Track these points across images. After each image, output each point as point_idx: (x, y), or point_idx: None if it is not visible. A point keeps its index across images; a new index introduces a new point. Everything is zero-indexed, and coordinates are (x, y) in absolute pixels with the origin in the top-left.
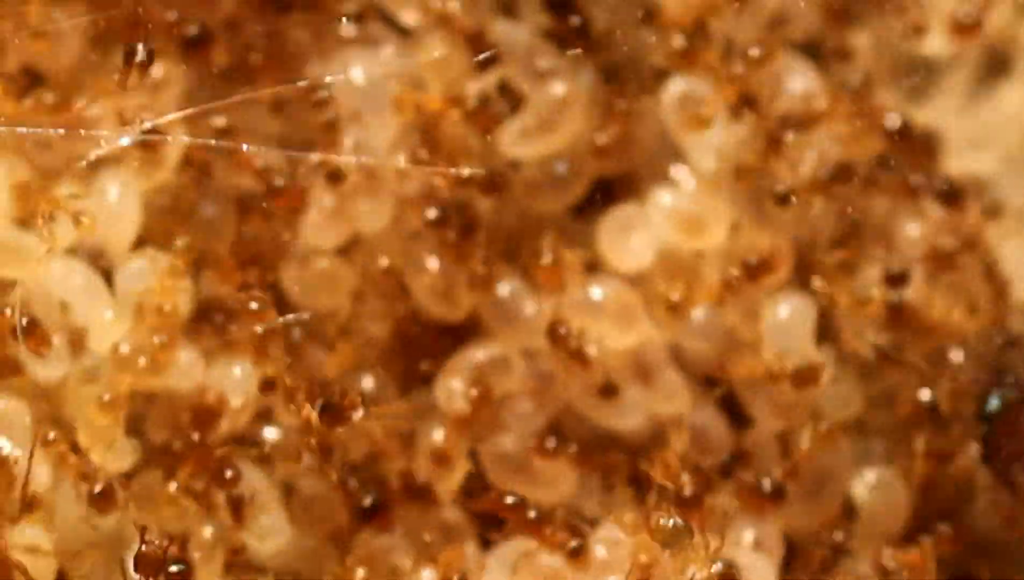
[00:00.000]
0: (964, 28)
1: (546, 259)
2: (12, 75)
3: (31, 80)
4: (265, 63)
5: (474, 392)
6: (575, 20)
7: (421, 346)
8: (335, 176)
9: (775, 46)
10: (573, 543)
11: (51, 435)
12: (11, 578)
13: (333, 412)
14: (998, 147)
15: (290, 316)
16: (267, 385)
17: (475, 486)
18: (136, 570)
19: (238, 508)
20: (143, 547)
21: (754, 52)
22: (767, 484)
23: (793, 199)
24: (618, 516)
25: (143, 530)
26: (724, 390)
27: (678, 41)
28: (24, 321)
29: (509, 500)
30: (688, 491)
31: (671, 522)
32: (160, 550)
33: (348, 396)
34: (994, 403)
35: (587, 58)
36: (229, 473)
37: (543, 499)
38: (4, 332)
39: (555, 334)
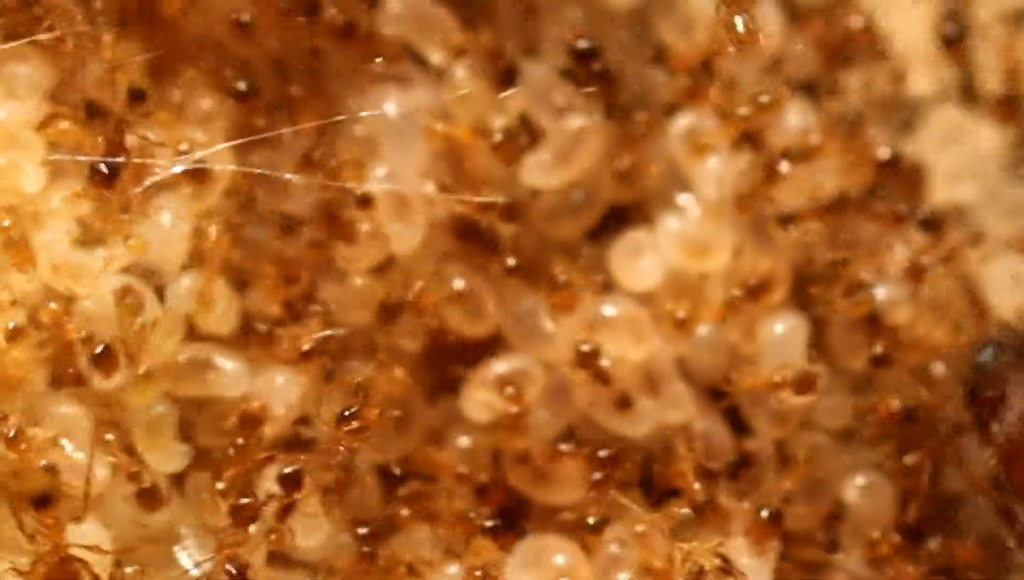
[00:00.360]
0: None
1: (561, 280)
2: (77, 106)
3: (93, 111)
4: (306, 97)
5: (511, 391)
6: (596, 66)
7: (449, 358)
8: (364, 201)
9: (783, 92)
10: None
11: (108, 437)
12: (76, 575)
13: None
14: (978, 179)
15: (327, 331)
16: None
17: (495, 487)
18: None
19: (284, 508)
20: (241, 500)
21: (764, 99)
22: (765, 513)
23: (790, 225)
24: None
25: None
26: (727, 400)
27: (684, 80)
28: (99, 348)
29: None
30: (699, 493)
31: (682, 511)
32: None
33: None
34: (987, 354)
35: (601, 95)
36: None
37: (558, 500)
38: (69, 345)
39: (579, 353)
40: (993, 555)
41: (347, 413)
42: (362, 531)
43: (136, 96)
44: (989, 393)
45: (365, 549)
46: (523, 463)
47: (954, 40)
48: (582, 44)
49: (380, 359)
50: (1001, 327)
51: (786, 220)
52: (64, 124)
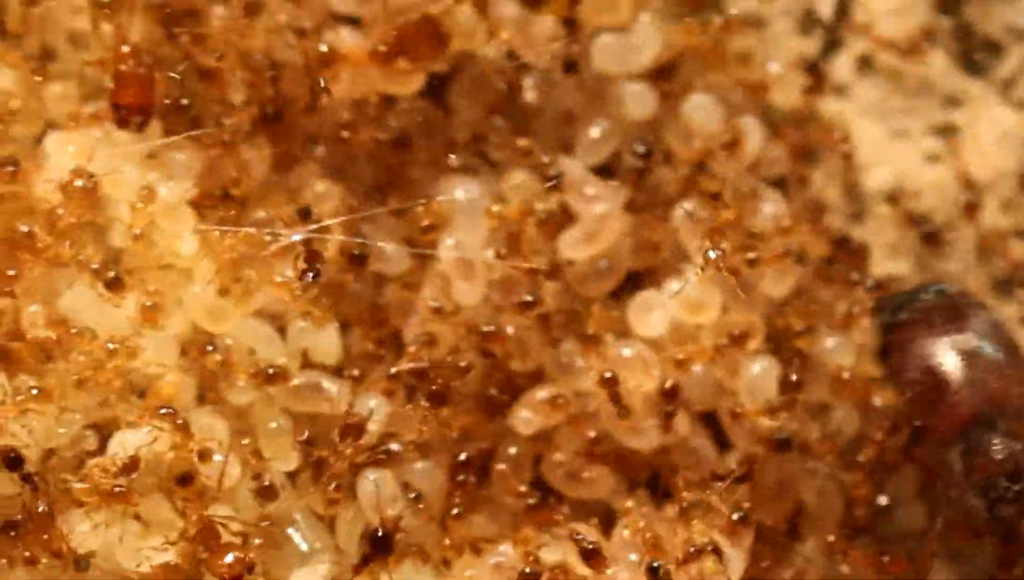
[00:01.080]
0: None
1: (590, 330)
2: (212, 191)
3: (230, 190)
4: (394, 183)
5: (560, 400)
6: (631, 160)
7: (503, 386)
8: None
9: (760, 186)
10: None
11: (243, 442)
12: (218, 534)
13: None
14: (911, 256)
15: (410, 364)
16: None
17: (536, 486)
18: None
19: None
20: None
21: (745, 190)
22: (736, 515)
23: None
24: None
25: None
26: (714, 424)
27: (685, 175)
28: (271, 371)
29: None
30: (691, 494)
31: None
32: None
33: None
34: (886, 314)
35: (622, 186)
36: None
37: (585, 495)
38: (213, 372)
39: (602, 379)
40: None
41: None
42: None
43: (265, 180)
44: (894, 350)
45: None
46: (558, 467)
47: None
48: (625, 152)
49: (450, 386)
50: (896, 291)
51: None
52: (209, 201)
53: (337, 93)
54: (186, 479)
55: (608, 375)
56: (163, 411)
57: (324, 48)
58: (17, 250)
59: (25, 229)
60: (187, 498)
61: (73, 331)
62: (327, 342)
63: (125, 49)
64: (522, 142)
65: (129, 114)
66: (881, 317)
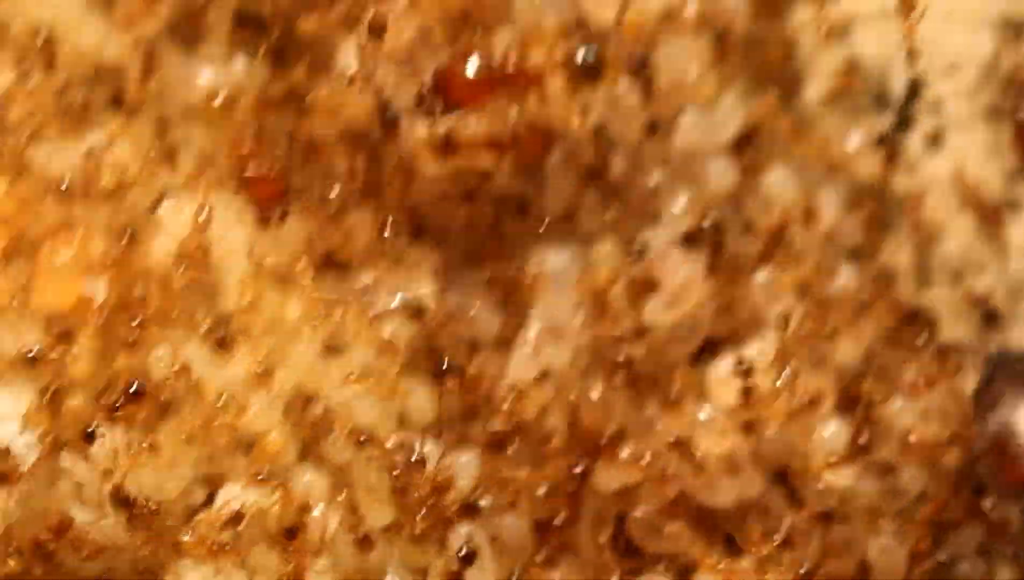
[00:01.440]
0: None
1: (672, 392)
2: (318, 256)
3: (332, 259)
4: (488, 250)
5: (641, 459)
6: (698, 233)
7: (588, 445)
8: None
9: (832, 255)
10: None
11: (341, 497)
12: None
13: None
14: (976, 323)
15: (499, 424)
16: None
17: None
18: None
19: (465, 557)
20: (440, 475)
21: (819, 258)
22: (804, 570)
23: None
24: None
25: None
26: (788, 482)
27: (763, 244)
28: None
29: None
30: (763, 547)
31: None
32: None
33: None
34: (987, 371)
35: (703, 254)
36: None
37: (666, 551)
38: (312, 427)
39: (678, 441)
40: None
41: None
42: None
43: (368, 247)
44: (985, 404)
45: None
46: (639, 522)
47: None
48: (707, 222)
49: (538, 444)
50: (1001, 349)
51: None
52: (310, 271)
53: (437, 165)
54: (292, 532)
55: (685, 435)
56: (267, 467)
57: (440, 131)
58: (132, 312)
59: (140, 292)
60: (291, 550)
61: (183, 389)
62: (422, 401)
63: (247, 149)
64: (610, 213)
65: (268, 207)
66: (982, 373)
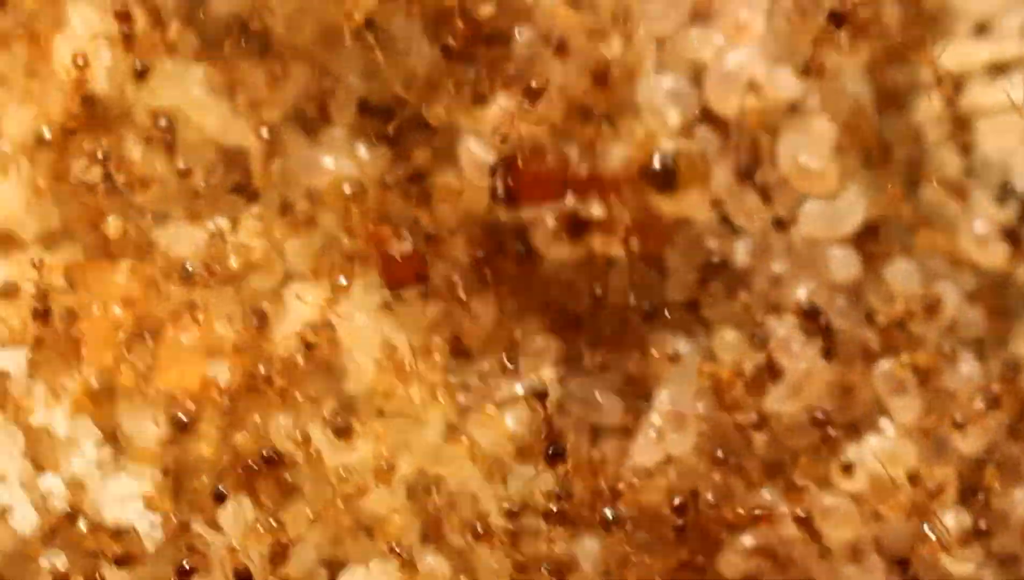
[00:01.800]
0: None
1: (797, 480)
2: (442, 341)
3: (461, 347)
4: (611, 337)
5: (764, 545)
6: (823, 322)
7: (711, 531)
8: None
9: (955, 347)
10: None
11: None
12: None
13: None
14: None
15: (622, 508)
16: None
17: None
18: None
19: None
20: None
21: (945, 350)
22: None
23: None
24: None
25: None
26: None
27: (886, 335)
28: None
29: None
30: None
31: None
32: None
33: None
34: None
35: (826, 344)
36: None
37: None
38: (435, 511)
39: (804, 532)
40: None
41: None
42: None
43: (491, 333)
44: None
45: None
46: None
47: None
48: (809, 307)
49: (661, 529)
50: None
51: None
52: (435, 356)
53: (562, 252)
54: None
55: (808, 522)
56: (390, 549)
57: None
58: (256, 394)
59: (264, 374)
60: None
61: (307, 470)
62: (544, 486)
63: (371, 234)
64: (733, 303)
65: (394, 291)
66: None
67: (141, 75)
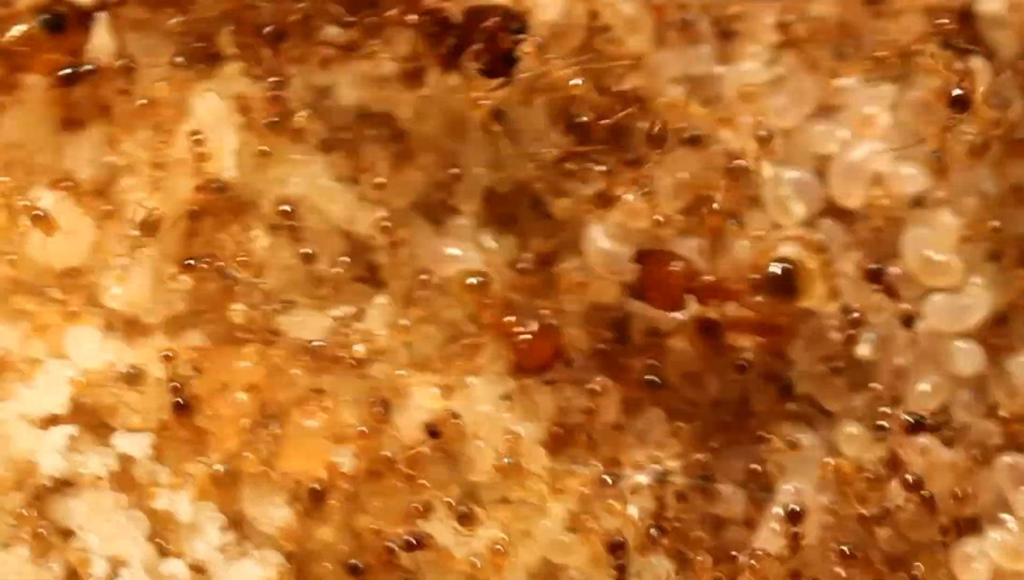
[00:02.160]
0: None
1: (918, 572)
2: (564, 431)
3: (575, 435)
4: (734, 427)
5: None
6: (942, 417)
7: None
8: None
9: None
10: None
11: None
12: None
13: None
14: None
15: None
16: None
17: None
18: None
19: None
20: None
21: None
22: None
23: None
24: None
25: None
26: None
27: (1009, 429)
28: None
29: None
30: None
31: None
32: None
33: None
34: None
35: (948, 438)
36: None
37: None
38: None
39: None
40: None
41: None
42: None
43: (614, 422)
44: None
45: None
46: None
47: None
48: (952, 405)
49: None
50: None
51: None
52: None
53: (689, 344)
54: None
55: None
56: None
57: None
58: (380, 480)
59: (388, 460)
60: None
61: (430, 558)
62: (666, 575)
63: (496, 323)
64: (856, 397)
65: (544, 367)
66: None
67: (266, 162)
